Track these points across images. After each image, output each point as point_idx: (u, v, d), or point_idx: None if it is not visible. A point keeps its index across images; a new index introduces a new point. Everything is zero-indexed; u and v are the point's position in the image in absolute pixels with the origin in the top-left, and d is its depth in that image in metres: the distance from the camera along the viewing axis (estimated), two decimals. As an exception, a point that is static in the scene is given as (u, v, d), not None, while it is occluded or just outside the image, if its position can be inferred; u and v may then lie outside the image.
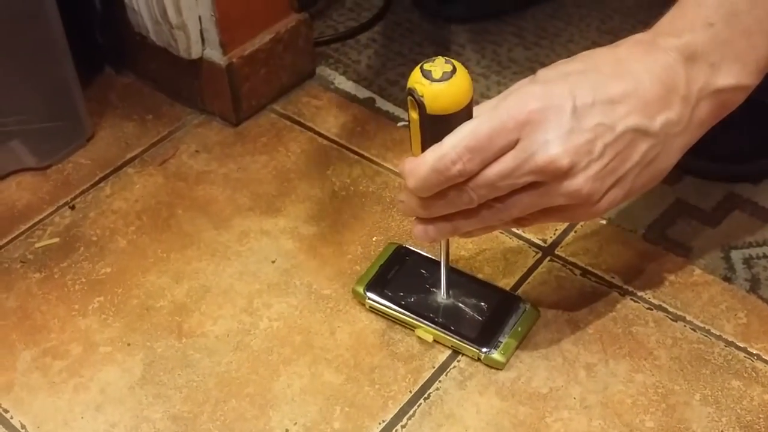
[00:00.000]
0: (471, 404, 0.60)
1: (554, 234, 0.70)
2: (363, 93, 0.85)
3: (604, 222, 0.71)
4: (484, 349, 0.61)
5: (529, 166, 0.50)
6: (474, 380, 0.61)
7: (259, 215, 0.74)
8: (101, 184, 0.78)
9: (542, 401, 0.59)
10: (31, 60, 0.76)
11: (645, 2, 0.92)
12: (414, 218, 0.56)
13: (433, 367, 0.62)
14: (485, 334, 0.62)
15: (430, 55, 0.92)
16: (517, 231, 0.71)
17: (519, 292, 0.66)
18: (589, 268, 0.67)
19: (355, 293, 0.66)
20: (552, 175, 0.50)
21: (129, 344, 0.65)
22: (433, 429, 0.58)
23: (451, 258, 0.63)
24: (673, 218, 0.70)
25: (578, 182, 0.50)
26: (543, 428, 0.58)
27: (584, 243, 0.69)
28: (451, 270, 0.63)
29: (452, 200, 0.52)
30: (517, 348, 0.62)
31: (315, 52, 0.87)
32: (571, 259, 0.68)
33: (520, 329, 0.62)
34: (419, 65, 0.51)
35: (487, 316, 0.63)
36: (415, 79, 0.50)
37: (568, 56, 0.87)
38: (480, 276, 0.67)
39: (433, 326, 0.62)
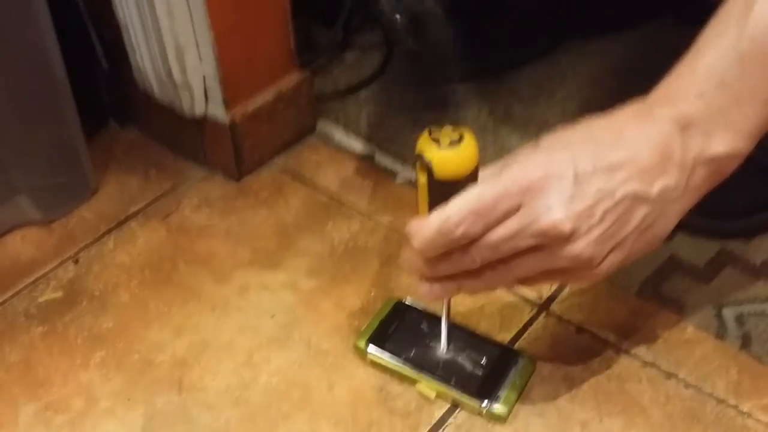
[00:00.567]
0: (467, 461, 0.60)
1: (549, 290, 0.71)
2: (363, 148, 0.87)
3: (598, 278, 0.72)
4: (485, 403, 0.62)
5: (532, 230, 0.52)
6: (470, 437, 0.62)
7: (260, 269, 0.75)
8: (105, 238, 0.79)
9: (537, 458, 0.60)
10: (38, 117, 0.77)
11: (636, 62, 0.95)
12: (419, 276, 0.58)
13: (431, 423, 0.63)
14: (485, 388, 0.63)
15: (428, 112, 0.94)
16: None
17: (515, 348, 0.67)
18: (584, 325, 0.69)
19: (356, 348, 0.67)
20: (554, 239, 0.52)
21: (129, 399, 0.65)
22: (429, 486, 0.59)
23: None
24: (667, 275, 0.71)
25: (580, 246, 0.52)
26: (538, 486, 0.59)
27: (579, 299, 0.70)
28: (451, 325, 0.65)
29: (457, 261, 0.54)
30: (517, 401, 0.63)
31: (316, 108, 0.89)
32: (565, 315, 0.69)
33: (518, 382, 0.63)
34: (427, 130, 0.53)
35: (486, 370, 0.64)
36: (424, 145, 0.53)
37: (563, 112, 0.90)
38: (478, 331, 0.68)
39: (434, 380, 0.64)
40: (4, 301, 0.73)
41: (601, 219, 0.52)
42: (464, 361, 0.65)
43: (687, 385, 0.64)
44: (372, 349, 0.66)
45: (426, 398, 0.64)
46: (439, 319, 0.64)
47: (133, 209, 0.82)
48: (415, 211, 0.79)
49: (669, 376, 0.65)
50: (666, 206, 0.54)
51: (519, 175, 0.52)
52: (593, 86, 0.92)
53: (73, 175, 0.81)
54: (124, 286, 0.74)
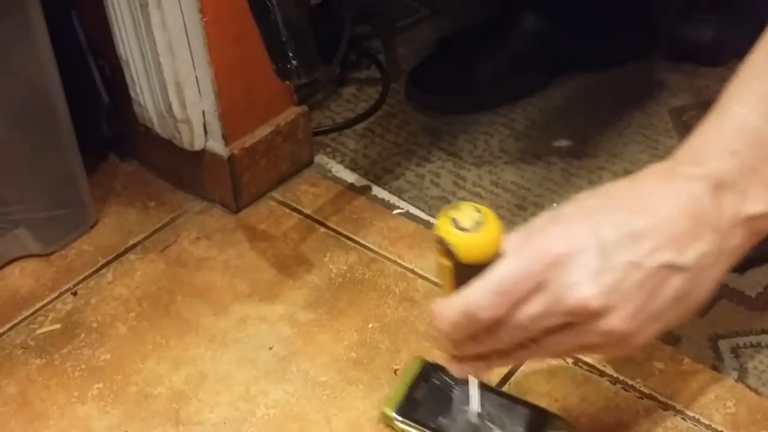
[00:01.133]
0: (465, 494, 0.60)
1: (546, 322, 0.72)
2: (360, 181, 0.88)
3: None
4: None
5: (560, 308, 0.49)
6: (468, 470, 0.62)
7: (258, 301, 0.76)
8: (103, 271, 0.79)
9: (536, 491, 0.60)
10: (38, 150, 0.78)
11: (630, 94, 0.96)
12: (447, 355, 0.55)
13: (428, 456, 0.63)
14: None
15: (424, 145, 0.95)
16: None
17: (511, 381, 0.67)
18: (581, 358, 0.69)
19: (384, 416, 0.65)
20: (584, 317, 0.49)
21: (127, 432, 0.66)
22: None
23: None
24: (662, 307, 0.72)
25: (613, 323, 0.49)
26: None
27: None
28: (482, 387, 0.61)
29: (484, 342, 0.52)
30: None
31: (313, 142, 0.90)
32: (562, 347, 0.70)
33: None
34: (445, 212, 0.50)
35: None
36: (445, 228, 0.49)
37: (557, 147, 0.91)
38: (510, 385, 0.66)
39: None
40: (2, 333, 0.73)
41: (634, 293, 0.49)
42: (497, 428, 0.62)
43: (684, 417, 0.64)
44: (400, 418, 0.63)
45: None
46: (468, 382, 0.61)
47: (131, 241, 0.82)
48: (412, 247, 0.81)
49: (666, 407, 0.65)
50: (702, 273, 0.50)
51: (540, 251, 0.49)
52: (587, 121, 0.93)
53: (73, 207, 0.82)
54: (122, 319, 0.75)
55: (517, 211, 0.82)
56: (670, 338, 0.70)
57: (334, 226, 0.83)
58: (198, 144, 0.82)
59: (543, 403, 0.65)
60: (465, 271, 0.50)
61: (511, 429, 0.62)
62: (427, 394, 0.65)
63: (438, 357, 0.67)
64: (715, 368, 0.67)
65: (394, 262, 0.79)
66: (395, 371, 0.68)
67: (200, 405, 0.67)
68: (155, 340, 0.73)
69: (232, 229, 0.83)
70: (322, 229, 0.83)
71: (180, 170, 0.87)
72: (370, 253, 0.80)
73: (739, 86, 0.52)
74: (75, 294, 0.77)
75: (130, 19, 0.76)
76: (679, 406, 0.65)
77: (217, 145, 0.82)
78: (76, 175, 0.81)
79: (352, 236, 0.82)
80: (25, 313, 0.75)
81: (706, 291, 0.52)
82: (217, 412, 0.67)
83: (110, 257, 0.81)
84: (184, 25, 0.75)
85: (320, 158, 0.91)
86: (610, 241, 0.48)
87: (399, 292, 0.76)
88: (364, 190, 0.87)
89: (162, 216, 0.85)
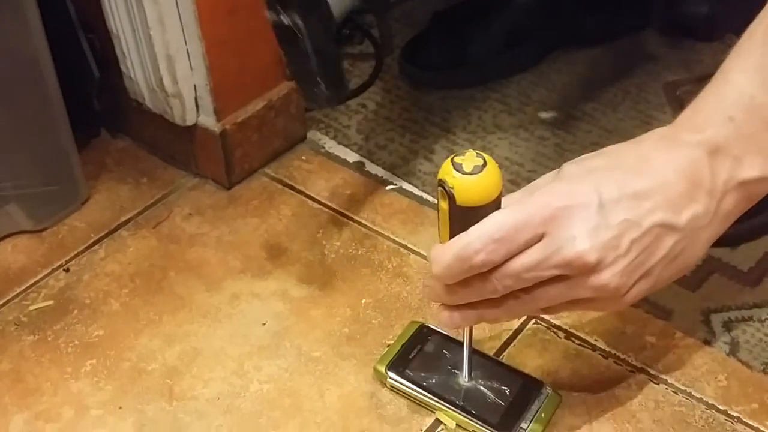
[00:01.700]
0: (458, 467, 0.61)
1: (539, 297, 0.72)
2: (353, 157, 0.88)
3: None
4: None
5: (556, 260, 0.51)
6: (461, 443, 0.62)
7: (251, 278, 0.76)
8: (95, 247, 0.79)
9: (528, 464, 0.60)
10: (29, 126, 0.78)
11: (624, 69, 0.96)
12: (440, 304, 0.57)
13: (422, 430, 0.63)
14: (507, 420, 0.61)
15: (418, 121, 0.95)
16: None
17: (504, 355, 0.68)
18: (573, 331, 0.69)
19: (376, 372, 0.66)
20: (579, 270, 0.51)
21: (120, 407, 0.65)
22: (420, 492, 0.59)
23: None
24: (654, 282, 0.72)
25: (605, 277, 0.51)
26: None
27: (568, 306, 0.71)
28: (473, 351, 0.63)
29: (477, 289, 0.53)
30: None
31: (306, 118, 0.89)
32: (555, 322, 0.70)
33: (543, 415, 0.62)
34: (450, 157, 0.52)
35: (509, 401, 0.62)
36: (446, 171, 0.52)
37: (552, 121, 0.90)
38: (503, 359, 0.67)
39: (455, 410, 0.62)
40: (-6, 310, 0.74)
41: (628, 249, 0.51)
42: (487, 390, 0.63)
43: (676, 391, 0.65)
44: (392, 375, 0.65)
45: (415, 406, 0.64)
46: (461, 346, 0.63)
47: (123, 218, 0.82)
48: (405, 222, 0.80)
49: (658, 381, 0.65)
50: (695, 234, 0.53)
51: (542, 203, 0.51)
52: (579, 94, 0.93)
53: (64, 183, 0.82)
54: (114, 295, 0.74)
55: (510, 186, 0.82)
56: (663, 312, 0.70)
57: (327, 202, 0.83)
58: (190, 119, 0.82)
59: (536, 376, 0.65)
60: (463, 216, 0.52)
61: (500, 393, 0.63)
62: (420, 355, 0.66)
63: (433, 323, 0.68)
64: (707, 342, 0.68)
65: (387, 237, 0.79)
66: (388, 346, 0.68)
67: (194, 380, 0.67)
68: (148, 316, 0.72)
69: (224, 205, 0.83)
70: (315, 205, 0.82)
71: (172, 146, 0.86)
72: (363, 229, 0.80)
73: (737, 56, 0.53)
74: (67, 270, 0.77)
75: (120, -8, 0.76)
76: (670, 380, 0.65)
77: (208, 120, 0.82)
78: (67, 150, 0.81)
79: (345, 212, 0.81)
80: (18, 290, 0.75)
81: (698, 252, 0.54)
82: (211, 388, 0.67)
83: (102, 233, 0.80)
84: (175, -3, 0.75)
85: (313, 134, 0.90)
86: (610, 199, 0.51)
87: (392, 267, 0.76)
88: (358, 166, 0.87)
89: (154, 192, 0.85)
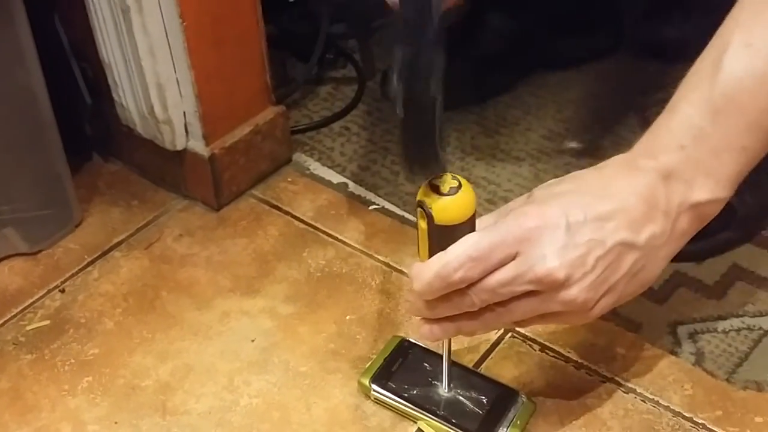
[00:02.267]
0: (439, 475, 0.64)
1: (515, 312, 0.75)
2: (337, 178, 0.91)
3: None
4: None
5: (529, 276, 0.55)
6: (441, 452, 0.65)
7: (240, 296, 0.79)
8: (89, 268, 0.82)
9: (505, 471, 0.64)
10: (24, 152, 0.80)
11: (596, 93, 1.00)
12: (420, 318, 0.61)
13: (404, 440, 0.66)
14: (485, 427, 0.65)
15: (399, 143, 0.97)
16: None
17: (482, 367, 0.71)
18: (548, 344, 0.73)
19: (360, 385, 0.69)
20: (549, 286, 0.55)
21: (116, 422, 0.68)
22: (403, 499, 0.63)
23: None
24: (624, 296, 0.76)
25: (573, 292, 0.55)
26: (506, 497, 0.62)
27: (543, 320, 0.74)
28: (452, 364, 0.67)
29: (456, 303, 0.58)
30: None
31: (291, 140, 0.93)
32: (530, 335, 0.73)
33: (519, 422, 0.65)
34: (428, 180, 0.56)
35: (486, 409, 0.66)
36: (425, 193, 0.56)
37: (527, 143, 0.94)
38: (481, 371, 0.70)
39: (436, 419, 0.66)
40: (-7, 331, 0.76)
41: (593, 266, 0.55)
42: (465, 400, 0.67)
43: (644, 399, 0.68)
44: (376, 387, 0.68)
45: (398, 418, 0.67)
46: (440, 358, 0.66)
47: (116, 239, 0.85)
48: (387, 242, 0.84)
49: (627, 390, 0.69)
50: (653, 252, 0.57)
51: (514, 225, 0.55)
52: (554, 117, 0.97)
53: (59, 207, 0.84)
54: (108, 314, 0.77)
55: (487, 205, 0.86)
56: (632, 325, 0.74)
57: (312, 222, 0.86)
58: (179, 144, 0.85)
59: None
60: (441, 234, 0.56)
61: (477, 402, 0.66)
62: (401, 368, 0.69)
63: (414, 337, 0.72)
64: (674, 353, 0.71)
65: (371, 256, 0.82)
66: (371, 360, 0.71)
67: (186, 396, 0.70)
68: (141, 335, 0.75)
69: (213, 227, 0.86)
70: (301, 225, 0.86)
71: (162, 169, 0.89)
72: (348, 248, 0.83)
73: (686, 89, 0.58)
74: (63, 291, 0.80)
75: (112, 23, 0.79)
76: (639, 389, 0.69)
77: (198, 145, 0.85)
78: (61, 175, 0.83)
79: (329, 231, 0.85)
80: (15, 310, 0.78)
81: (657, 268, 0.58)
82: (203, 402, 0.70)
83: (96, 255, 0.83)
84: (165, 29, 0.78)
85: (298, 156, 0.94)
86: (577, 221, 0.55)
87: (375, 285, 0.79)
88: (341, 187, 0.90)
89: (145, 214, 0.88)
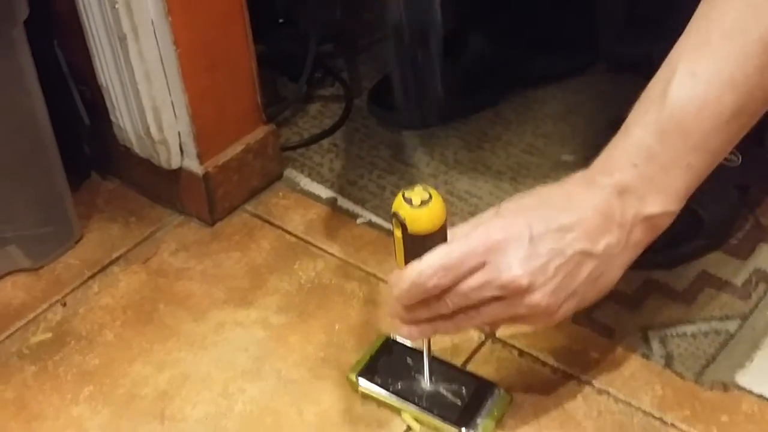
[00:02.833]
0: (423, 474, 0.68)
1: (495, 319, 0.79)
2: (326, 193, 0.95)
3: (539, 307, 0.80)
4: (465, 430, 0.68)
5: (496, 283, 0.60)
6: (425, 453, 0.69)
7: (234, 307, 0.82)
8: (89, 282, 0.85)
9: (485, 470, 0.68)
10: (26, 171, 0.83)
11: (573, 108, 1.04)
12: (400, 320, 0.65)
13: (391, 442, 0.70)
14: (465, 417, 0.69)
15: (385, 158, 1.02)
16: (462, 317, 0.79)
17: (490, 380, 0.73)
18: (526, 350, 0.76)
19: (348, 380, 0.73)
20: (514, 292, 0.60)
21: (117, 429, 0.72)
22: (389, 498, 0.66)
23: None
24: (599, 303, 0.78)
25: (536, 297, 0.60)
26: (486, 494, 0.66)
27: (522, 327, 0.78)
28: (432, 359, 0.71)
29: (432, 307, 0.63)
30: (494, 428, 0.69)
31: (282, 157, 0.97)
32: (510, 341, 0.77)
33: (495, 411, 0.70)
34: (401, 192, 0.61)
35: (466, 401, 0.70)
36: (398, 205, 0.61)
37: (507, 157, 0.98)
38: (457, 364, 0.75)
39: (418, 409, 0.70)
40: (-2, 343, 0.80)
41: (554, 274, 0.60)
42: (446, 392, 0.71)
43: (617, 400, 0.72)
44: (362, 381, 0.72)
45: (385, 420, 0.71)
46: (422, 354, 0.71)
47: (115, 255, 0.88)
48: (374, 253, 0.88)
49: (601, 392, 0.73)
50: (610, 260, 0.62)
51: (483, 237, 0.60)
52: (533, 132, 1.01)
53: (59, 224, 0.87)
54: (108, 327, 0.81)
55: (469, 218, 0.89)
56: (606, 331, 0.77)
57: (302, 236, 0.90)
58: (175, 163, 0.88)
59: (492, 391, 0.73)
60: (415, 243, 0.61)
61: (457, 394, 0.71)
62: (387, 363, 0.74)
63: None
64: (645, 356, 0.75)
65: (358, 267, 0.86)
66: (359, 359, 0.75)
67: (183, 403, 0.74)
68: (140, 346, 0.79)
69: (208, 241, 0.90)
70: (292, 239, 0.89)
71: (158, 187, 0.93)
72: (336, 260, 0.87)
73: (638, 113, 0.63)
74: (64, 305, 0.83)
75: (109, 50, 0.82)
76: (612, 391, 0.73)
77: (192, 164, 0.89)
78: (61, 194, 0.87)
79: (319, 245, 0.88)
80: (19, 324, 0.81)
81: (614, 275, 0.64)
82: (199, 409, 0.73)
83: (96, 270, 0.86)
84: (160, 55, 0.81)
85: (289, 172, 0.97)
86: (539, 233, 0.60)
87: (363, 295, 0.83)
88: (330, 201, 0.94)
89: (143, 230, 0.91)
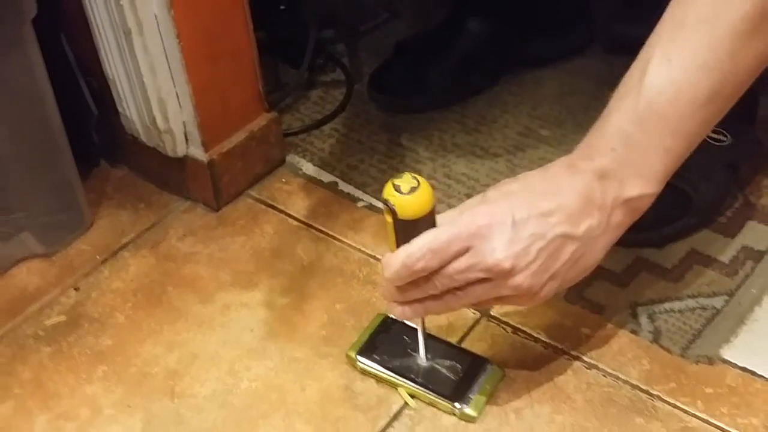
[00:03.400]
0: (419, 446, 0.71)
1: (490, 298, 0.82)
2: (327, 177, 0.97)
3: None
4: (458, 405, 0.72)
5: (480, 266, 0.63)
6: (421, 425, 0.72)
7: (239, 290, 0.85)
8: (101, 267, 0.89)
9: (479, 441, 0.71)
10: (37, 161, 0.86)
11: (569, 90, 1.06)
12: (392, 300, 0.69)
13: (389, 416, 0.73)
14: (459, 392, 0.72)
15: (385, 143, 1.05)
16: (458, 296, 0.82)
17: (484, 356, 0.76)
18: (519, 326, 0.79)
19: (348, 357, 0.76)
20: (498, 274, 0.63)
21: (129, 406, 0.75)
22: (387, 468, 0.70)
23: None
24: (590, 281, 0.82)
25: (519, 279, 0.63)
26: (479, 464, 0.69)
27: (515, 306, 0.81)
28: (428, 336, 0.74)
29: (422, 288, 0.66)
30: (486, 403, 0.72)
31: (284, 143, 0.99)
32: (504, 318, 0.80)
33: (488, 386, 0.73)
34: (391, 180, 0.64)
35: (459, 376, 0.73)
36: (388, 192, 0.64)
37: (504, 139, 1.01)
38: (451, 340, 0.78)
39: (414, 385, 0.73)
40: (15, 327, 0.83)
41: (536, 256, 0.63)
42: (440, 368, 0.74)
43: (605, 374, 0.75)
44: (361, 359, 0.76)
45: (383, 396, 0.74)
46: (418, 331, 0.74)
47: (125, 240, 0.91)
48: (374, 235, 0.91)
49: (590, 367, 0.76)
50: (591, 242, 0.65)
51: (468, 222, 0.63)
52: (530, 114, 1.03)
53: (71, 212, 0.91)
54: (120, 309, 0.84)
55: (466, 200, 0.92)
56: (596, 307, 0.80)
57: (305, 219, 0.92)
58: (180, 151, 0.91)
59: (486, 367, 0.76)
60: (404, 228, 0.64)
61: (451, 369, 0.74)
62: (384, 341, 0.77)
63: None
64: (634, 332, 0.78)
65: (359, 249, 0.89)
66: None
67: (192, 381, 0.77)
68: (150, 327, 0.82)
69: (214, 226, 0.93)
70: (295, 222, 0.92)
71: (165, 174, 0.96)
72: (337, 243, 0.90)
73: (617, 99, 0.65)
74: (77, 289, 0.86)
75: (115, 44, 0.85)
76: (601, 365, 0.76)
77: (197, 152, 0.92)
78: (72, 182, 0.90)
79: (321, 227, 0.91)
80: (34, 308, 0.84)
81: (595, 257, 0.66)
82: (207, 386, 0.76)
83: (106, 255, 0.90)
84: (164, 48, 0.84)
85: (291, 158, 1.00)
86: (521, 218, 0.63)
87: (363, 276, 0.86)
88: (332, 186, 0.96)
89: (151, 216, 0.94)
